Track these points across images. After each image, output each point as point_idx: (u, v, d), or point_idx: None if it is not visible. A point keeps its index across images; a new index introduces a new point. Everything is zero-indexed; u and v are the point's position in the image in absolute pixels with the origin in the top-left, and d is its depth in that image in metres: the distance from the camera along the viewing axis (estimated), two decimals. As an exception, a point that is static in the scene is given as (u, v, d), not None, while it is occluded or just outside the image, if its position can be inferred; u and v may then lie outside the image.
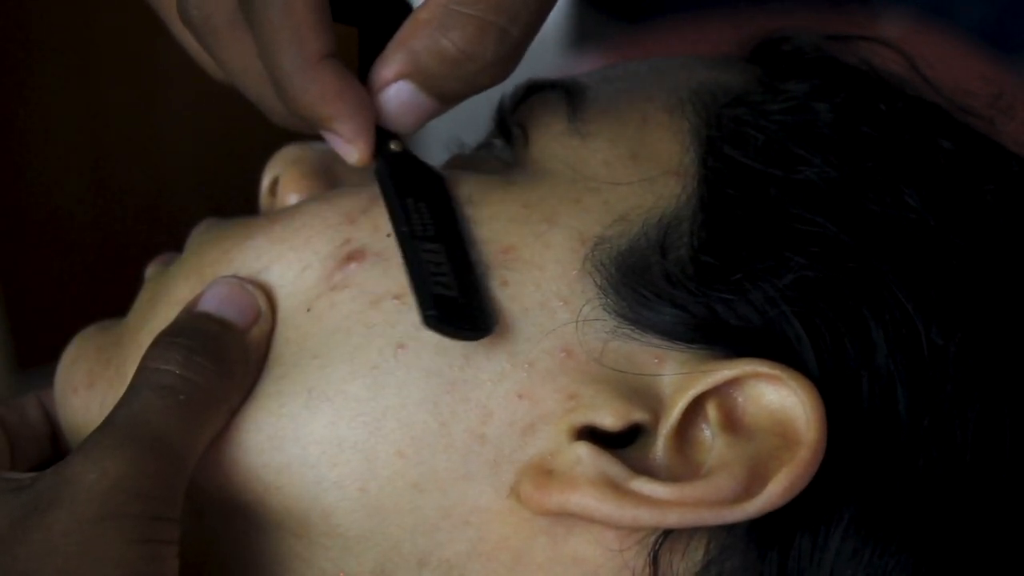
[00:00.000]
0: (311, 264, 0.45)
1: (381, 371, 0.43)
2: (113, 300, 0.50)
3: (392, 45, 0.44)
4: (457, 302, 0.42)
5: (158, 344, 0.44)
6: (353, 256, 0.45)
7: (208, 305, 0.45)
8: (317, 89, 0.43)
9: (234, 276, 0.46)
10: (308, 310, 0.44)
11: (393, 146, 0.46)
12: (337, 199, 0.47)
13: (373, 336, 0.43)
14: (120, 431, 0.41)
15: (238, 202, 0.54)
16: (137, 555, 0.38)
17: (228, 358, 0.44)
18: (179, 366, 0.42)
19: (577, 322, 0.42)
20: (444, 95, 0.44)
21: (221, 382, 0.43)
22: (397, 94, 0.44)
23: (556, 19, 1.13)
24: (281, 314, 0.45)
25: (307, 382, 0.43)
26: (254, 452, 0.43)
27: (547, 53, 1.12)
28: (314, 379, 0.43)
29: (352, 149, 0.44)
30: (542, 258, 0.44)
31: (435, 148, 0.59)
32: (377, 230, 0.45)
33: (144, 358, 0.43)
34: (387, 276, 0.44)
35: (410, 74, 0.43)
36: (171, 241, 0.54)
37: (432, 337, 0.42)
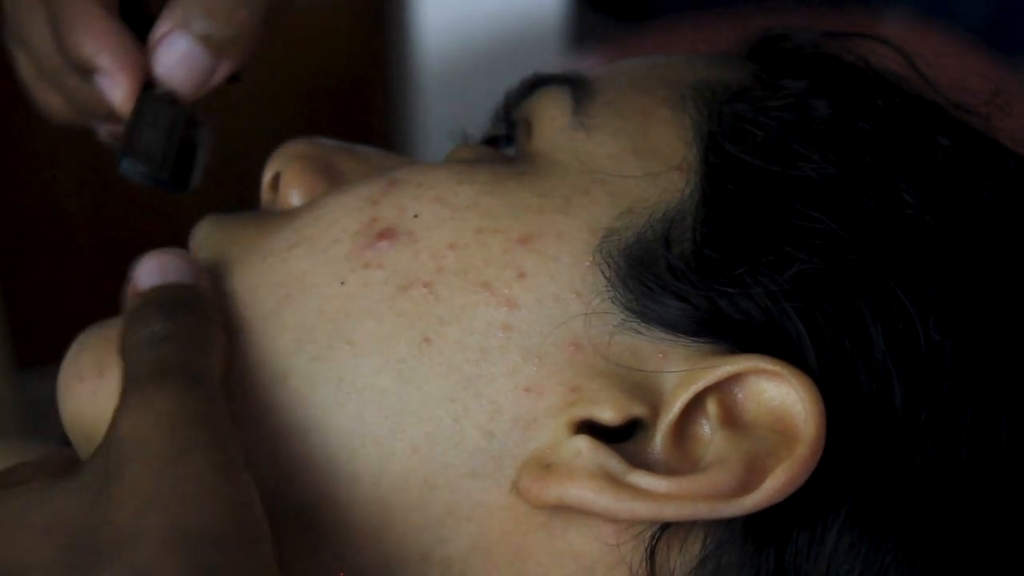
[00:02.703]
0: (340, 239, 0.45)
1: (407, 365, 0.43)
2: (113, 300, 0.50)
3: (167, 5, 0.47)
4: (157, 159, 0.45)
5: (133, 319, 0.43)
6: (384, 234, 0.45)
7: (151, 280, 0.45)
8: (82, 25, 0.46)
9: (157, 251, 0.46)
10: (342, 283, 0.44)
11: (158, 91, 0.48)
12: (354, 188, 0.47)
13: (402, 327, 0.43)
14: (146, 378, 0.40)
15: (238, 201, 0.54)
16: (226, 481, 0.37)
17: (200, 305, 0.44)
18: (165, 321, 0.43)
19: (587, 315, 0.43)
20: (211, 39, 0.46)
21: (203, 324, 0.43)
22: (170, 47, 0.47)
23: (556, 19, 1.13)
24: (315, 280, 0.45)
25: (339, 370, 0.43)
26: (278, 438, 0.43)
27: (547, 53, 1.12)
28: (346, 368, 0.43)
29: (115, 86, 0.46)
30: (557, 249, 0.44)
31: (440, 142, 0.59)
32: (403, 210, 0.45)
33: (125, 335, 0.43)
34: (417, 259, 0.44)
35: (180, 23, 0.46)
36: (171, 241, 0.54)
37: (453, 332, 0.43)
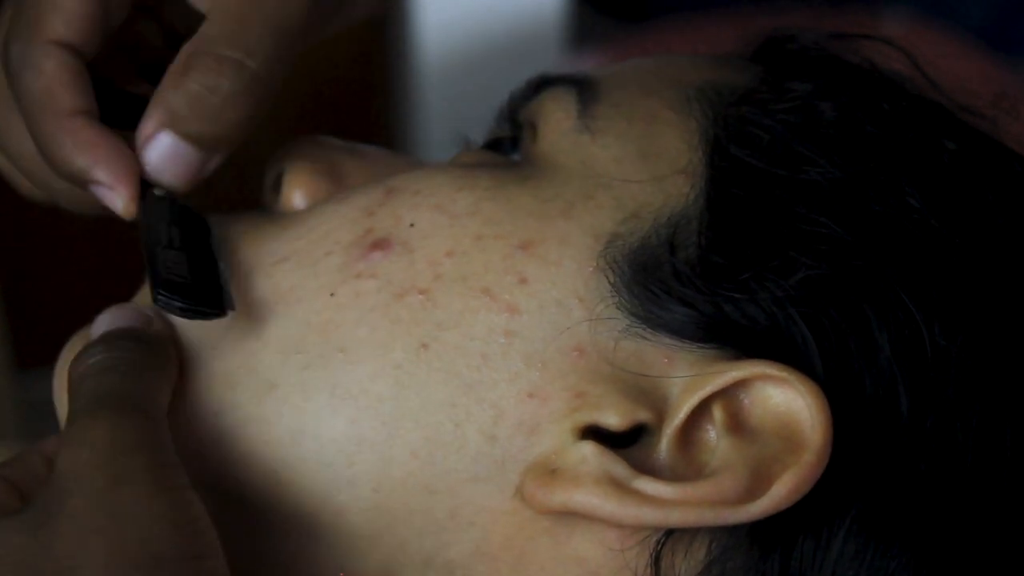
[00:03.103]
0: (333, 251, 0.45)
1: (404, 371, 0.43)
2: (113, 301, 0.50)
3: (152, 100, 0.46)
4: (188, 286, 0.44)
5: (77, 357, 0.44)
6: (378, 244, 0.45)
7: (102, 329, 0.46)
8: (70, 140, 0.45)
9: (112, 306, 0.47)
10: (331, 295, 0.44)
11: (158, 192, 0.47)
12: (351, 198, 0.47)
13: (398, 333, 0.43)
14: (86, 411, 0.41)
15: (237, 202, 0.54)
16: (165, 503, 0.38)
17: (146, 339, 0.45)
18: (105, 352, 0.43)
19: (591, 321, 0.42)
20: (199, 137, 0.46)
21: (149, 350, 0.44)
22: (158, 145, 0.46)
23: (556, 19, 1.13)
24: (301, 294, 0.45)
25: (332, 377, 0.43)
26: (272, 446, 0.43)
27: (547, 53, 1.12)
28: (339, 375, 0.43)
29: (115, 196, 0.46)
30: (559, 254, 0.43)
31: (441, 146, 0.59)
32: (399, 220, 0.45)
33: (72, 370, 0.44)
34: (412, 268, 0.44)
35: (167, 122, 0.46)
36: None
37: (452, 338, 0.43)
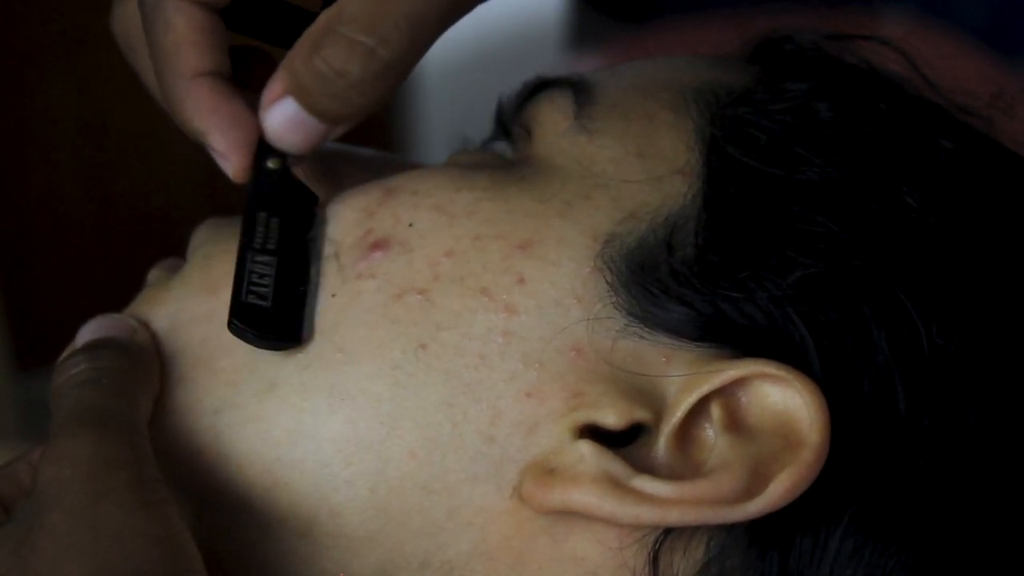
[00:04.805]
0: (333, 253, 0.45)
1: (403, 371, 0.43)
2: (114, 302, 0.50)
3: (281, 64, 0.46)
4: (266, 312, 0.44)
5: (61, 367, 0.44)
6: (378, 244, 0.45)
7: (85, 338, 0.46)
8: (191, 103, 0.46)
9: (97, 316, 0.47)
10: (333, 296, 0.45)
11: (271, 164, 0.47)
12: (351, 198, 0.47)
13: (397, 333, 0.43)
14: (68, 426, 0.41)
15: (238, 203, 0.54)
16: (146, 519, 0.38)
17: (128, 348, 0.45)
18: (88, 363, 0.43)
19: (589, 320, 0.42)
20: (324, 113, 0.45)
21: (131, 361, 0.44)
22: (281, 111, 0.46)
23: (556, 19, 1.13)
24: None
25: (330, 377, 0.43)
26: (270, 445, 0.43)
27: (547, 53, 1.12)
28: (337, 375, 0.43)
29: (227, 163, 0.46)
30: (557, 254, 0.44)
31: (440, 142, 0.59)
32: (398, 220, 0.45)
33: (54, 381, 0.44)
34: (411, 268, 0.44)
35: (292, 92, 0.45)
36: (172, 242, 0.54)
37: (450, 338, 0.43)
